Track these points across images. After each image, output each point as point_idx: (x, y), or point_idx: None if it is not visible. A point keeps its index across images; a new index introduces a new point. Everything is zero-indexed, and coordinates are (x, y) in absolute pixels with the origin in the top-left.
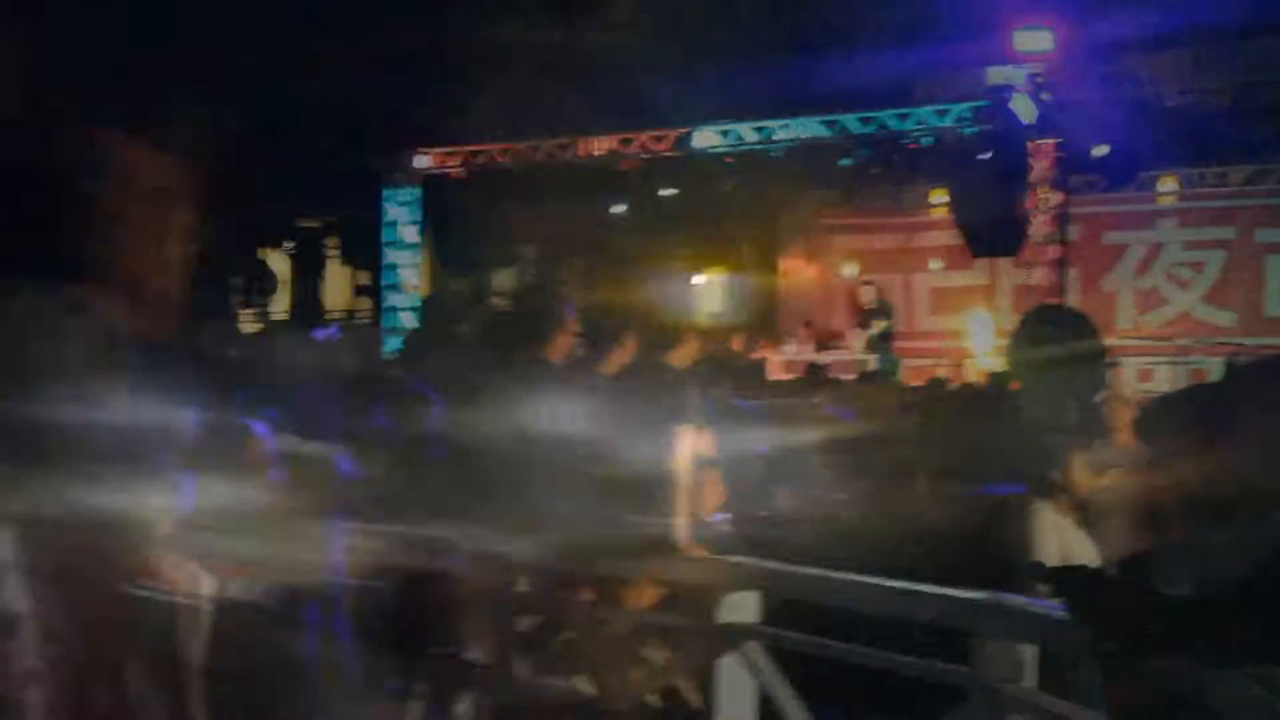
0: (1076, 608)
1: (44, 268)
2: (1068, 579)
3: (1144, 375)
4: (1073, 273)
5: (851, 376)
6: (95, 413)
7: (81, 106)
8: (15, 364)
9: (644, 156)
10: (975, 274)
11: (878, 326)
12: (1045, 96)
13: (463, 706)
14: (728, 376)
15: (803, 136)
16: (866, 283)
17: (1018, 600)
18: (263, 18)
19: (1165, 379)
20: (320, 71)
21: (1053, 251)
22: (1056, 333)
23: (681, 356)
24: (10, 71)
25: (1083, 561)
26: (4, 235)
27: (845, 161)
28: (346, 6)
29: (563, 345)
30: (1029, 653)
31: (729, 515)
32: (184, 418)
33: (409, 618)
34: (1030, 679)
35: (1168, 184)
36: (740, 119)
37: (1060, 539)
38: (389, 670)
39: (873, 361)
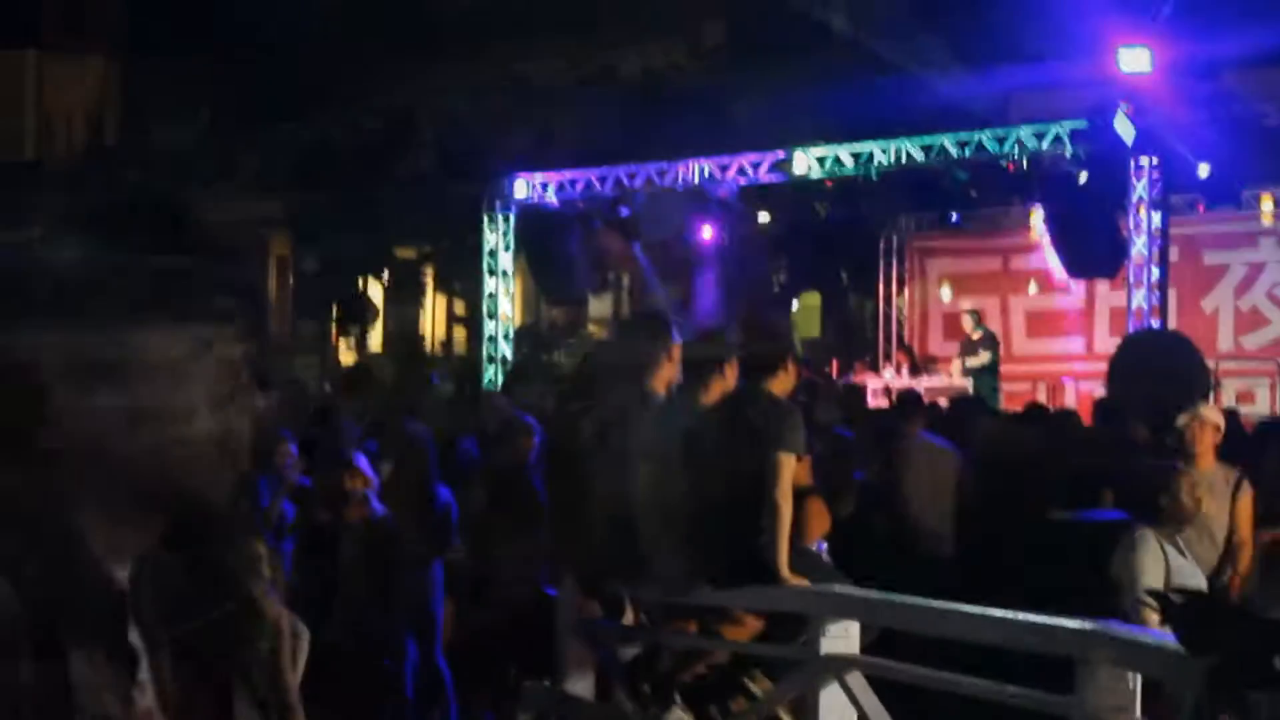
0: (1190, 638)
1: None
2: (1181, 609)
3: (1244, 397)
4: (1172, 294)
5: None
6: None
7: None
8: None
9: (741, 181)
10: (1072, 296)
11: (983, 357)
12: (1144, 116)
13: None
14: (827, 403)
15: (900, 159)
16: (971, 311)
17: (1127, 629)
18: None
19: (1266, 400)
20: (419, 100)
21: (1152, 273)
22: (1153, 356)
23: (781, 384)
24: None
25: (1190, 588)
26: None
27: (943, 184)
28: (442, 37)
29: (666, 374)
30: (1137, 682)
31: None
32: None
33: (511, 647)
34: (1137, 710)
35: (1268, 203)
36: (837, 142)
37: (1167, 565)
38: (490, 698)
39: (969, 387)
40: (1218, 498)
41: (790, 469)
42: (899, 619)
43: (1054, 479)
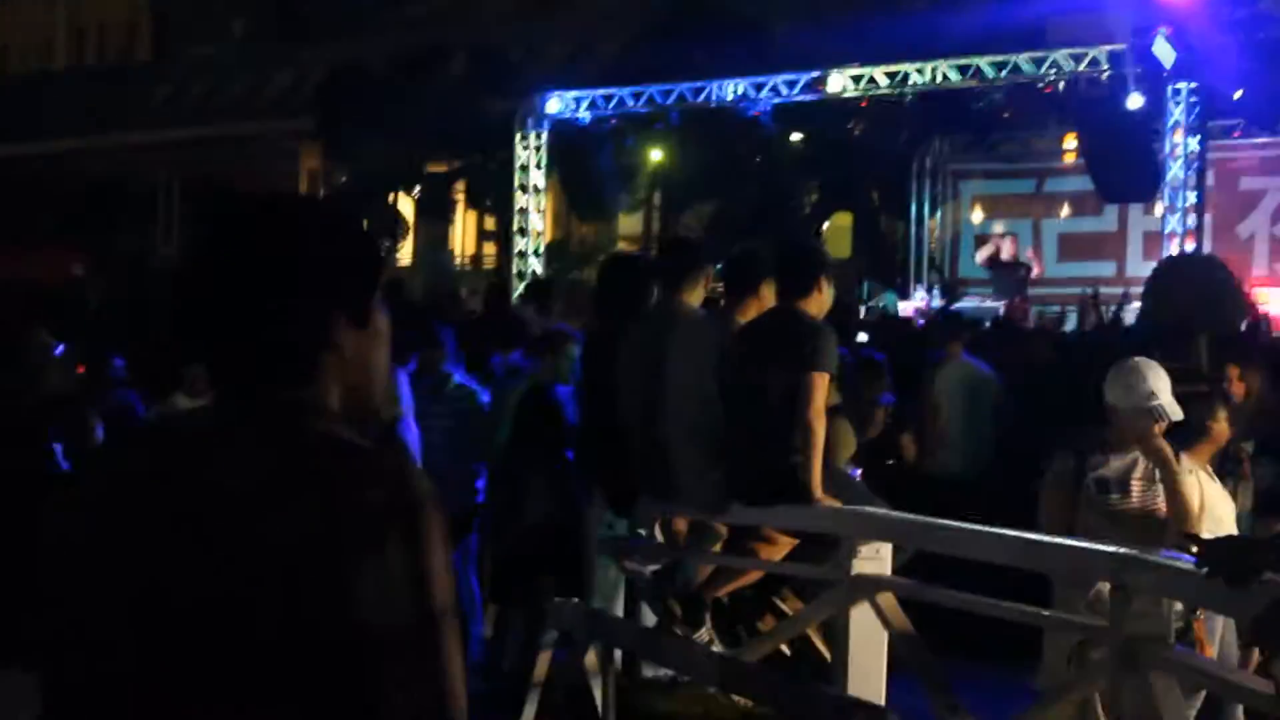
0: (1230, 575)
1: None
2: (1218, 547)
3: (1278, 323)
4: (1208, 219)
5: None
6: None
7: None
8: None
9: (776, 101)
10: (1106, 220)
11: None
12: (1183, 40)
13: (588, 652)
14: (860, 324)
15: (936, 81)
16: (1008, 234)
17: (1162, 556)
18: None
19: None
20: (453, 15)
21: (1187, 197)
22: (1192, 279)
23: (816, 304)
24: None
25: (1221, 515)
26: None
27: (978, 106)
28: None
29: (700, 292)
30: (1172, 609)
31: (860, 468)
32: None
33: (539, 562)
34: (1171, 636)
35: None
36: (874, 63)
37: (1200, 492)
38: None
39: (1001, 310)
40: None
41: (824, 389)
42: (931, 541)
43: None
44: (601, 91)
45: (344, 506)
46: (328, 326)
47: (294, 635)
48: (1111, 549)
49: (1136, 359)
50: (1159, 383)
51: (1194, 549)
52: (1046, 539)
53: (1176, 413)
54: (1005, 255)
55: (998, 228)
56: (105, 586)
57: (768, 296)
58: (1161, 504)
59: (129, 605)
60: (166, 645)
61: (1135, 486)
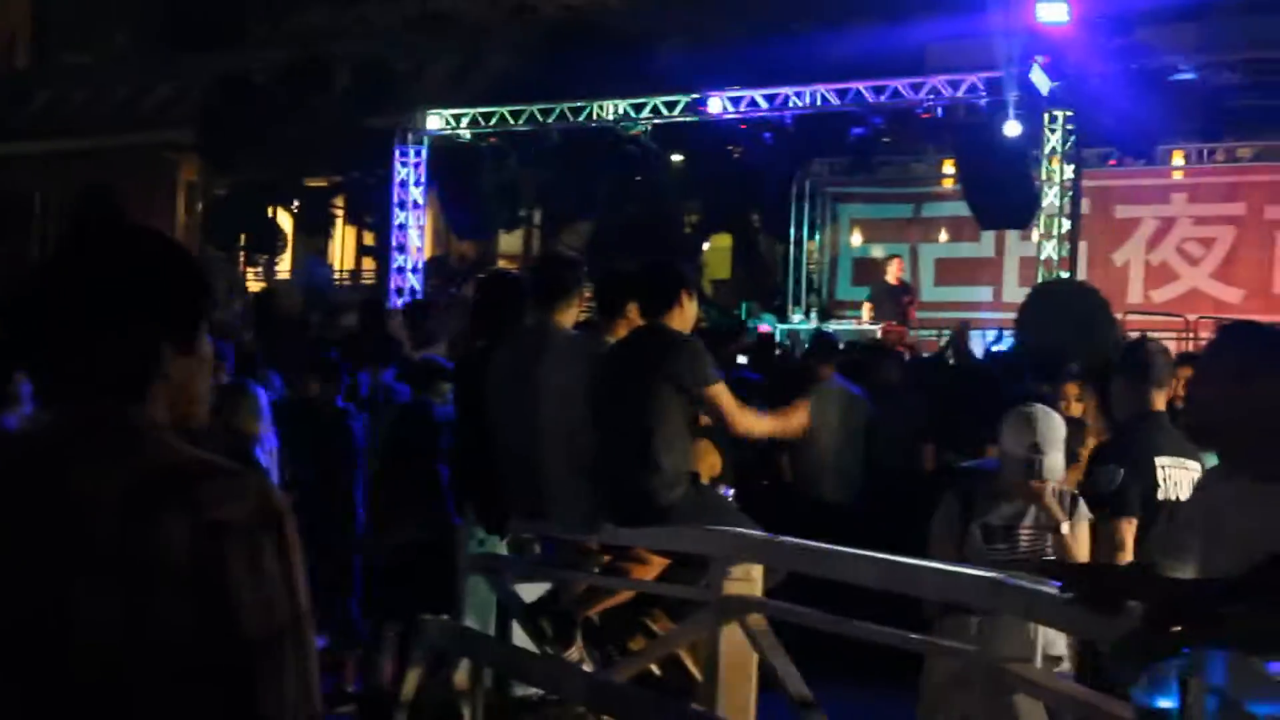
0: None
1: None
2: (1077, 572)
3: None
4: (1083, 246)
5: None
6: None
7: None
8: None
9: (657, 122)
10: (984, 245)
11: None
12: (1060, 69)
13: (459, 672)
14: (732, 344)
15: (815, 104)
16: (895, 257)
17: (1030, 579)
18: None
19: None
20: (336, 31)
21: (1062, 224)
22: (1066, 306)
23: (680, 319)
24: None
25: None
26: None
27: (857, 130)
28: None
29: (575, 312)
30: (1039, 634)
31: (734, 489)
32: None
33: (412, 578)
34: (1038, 659)
35: (1179, 158)
36: (753, 86)
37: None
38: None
39: (878, 333)
40: None
41: (725, 393)
42: (801, 562)
43: (960, 427)
44: (482, 109)
45: (221, 519)
46: (158, 353)
47: (174, 640)
48: (980, 573)
49: (1034, 406)
50: (1050, 434)
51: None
52: (916, 562)
53: (1055, 471)
54: (892, 278)
55: (876, 251)
56: None
57: (635, 316)
58: (1051, 554)
59: None
60: (35, 659)
61: (1023, 535)
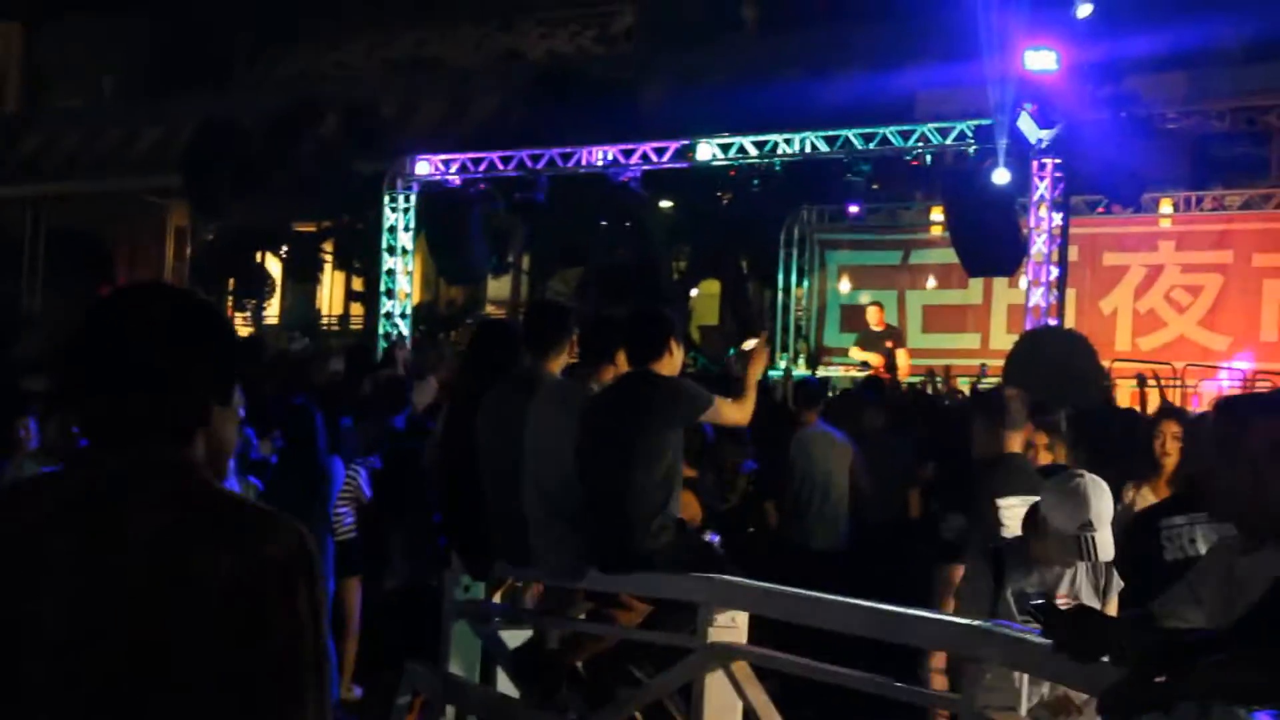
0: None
1: None
2: (1063, 619)
3: (1134, 398)
4: (1071, 294)
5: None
6: None
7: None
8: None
9: (645, 168)
10: (971, 292)
11: (889, 344)
12: (1048, 117)
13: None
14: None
15: (805, 151)
16: (875, 304)
17: (1016, 628)
18: (268, 22)
19: (1156, 403)
20: (325, 76)
21: (1050, 272)
22: (1053, 354)
23: (667, 365)
24: None
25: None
26: None
27: (846, 177)
28: (351, 14)
29: (565, 358)
30: (1024, 682)
31: (719, 535)
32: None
33: (400, 624)
34: (1023, 709)
35: (1167, 206)
36: (743, 132)
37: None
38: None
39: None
40: None
41: (719, 409)
42: (786, 610)
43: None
44: (471, 155)
45: (265, 555)
46: (208, 405)
47: (213, 669)
48: (965, 621)
49: (1083, 478)
50: (1102, 508)
51: (1041, 621)
52: (903, 610)
53: (1106, 549)
54: (874, 324)
55: (864, 298)
56: (14, 632)
57: (623, 363)
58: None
59: (41, 648)
60: (79, 685)
61: (1062, 605)
